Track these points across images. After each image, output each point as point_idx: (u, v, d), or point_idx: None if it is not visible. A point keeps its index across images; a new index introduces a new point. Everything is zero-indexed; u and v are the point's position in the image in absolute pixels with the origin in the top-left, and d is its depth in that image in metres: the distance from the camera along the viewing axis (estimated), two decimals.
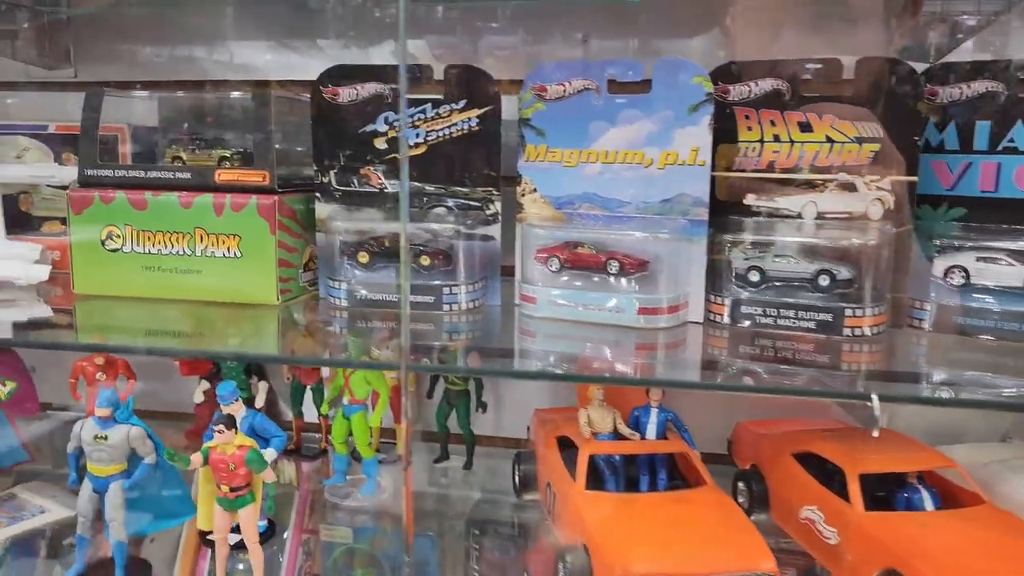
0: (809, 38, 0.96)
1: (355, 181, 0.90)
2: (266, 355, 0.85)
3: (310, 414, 1.10)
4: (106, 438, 0.76)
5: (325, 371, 1.04)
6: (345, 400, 0.96)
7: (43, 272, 0.94)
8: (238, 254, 0.87)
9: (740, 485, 0.91)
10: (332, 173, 0.90)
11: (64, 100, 1.18)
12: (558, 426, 0.92)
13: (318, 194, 0.91)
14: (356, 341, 0.82)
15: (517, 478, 0.95)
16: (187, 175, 0.89)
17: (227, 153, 0.92)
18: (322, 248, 0.91)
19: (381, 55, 1.05)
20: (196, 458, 0.74)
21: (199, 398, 1.01)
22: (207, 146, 0.93)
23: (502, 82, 0.88)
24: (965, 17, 0.91)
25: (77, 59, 1.18)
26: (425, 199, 0.89)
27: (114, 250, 0.89)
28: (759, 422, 0.97)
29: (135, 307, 0.89)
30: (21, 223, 1.07)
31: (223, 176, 0.88)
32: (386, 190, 0.90)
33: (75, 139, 1.05)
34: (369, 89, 0.88)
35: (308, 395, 1.09)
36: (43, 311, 0.93)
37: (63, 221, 1.07)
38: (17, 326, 0.89)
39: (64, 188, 1.05)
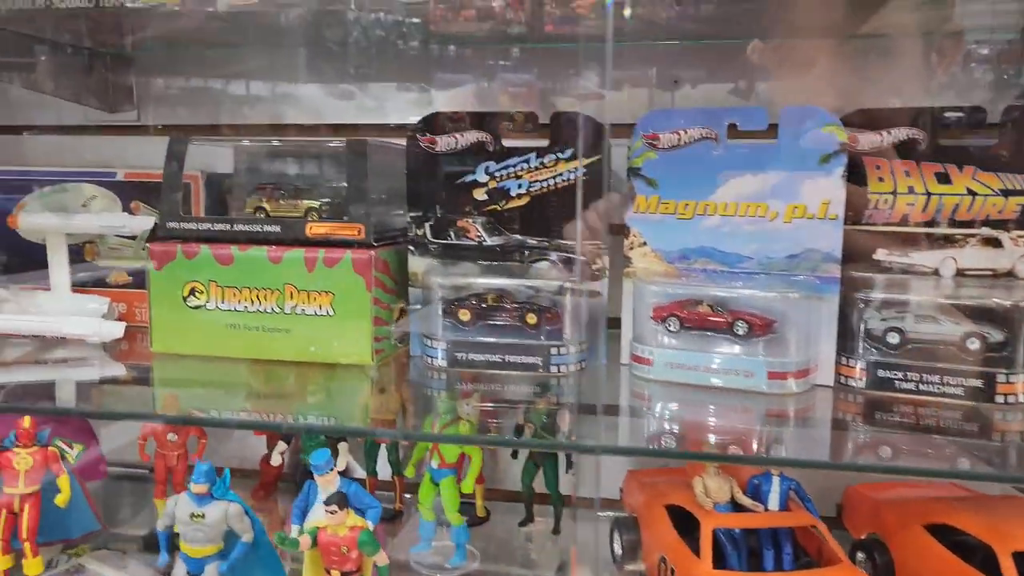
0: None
1: (452, 234, 0.85)
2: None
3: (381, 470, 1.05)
4: (203, 516, 0.70)
5: None
6: (434, 463, 0.90)
7: (118, 329, 0.89)
8: (331, 312, 0.82)
9: (859, 555, 0.85)
10: (427, 225, 0.86)
11: (127, 145, 1.14)
12: (663, 492, 0.86)
13: (412, 247, 0.86)
14: (447, 403, 0.77)
15: (618, 546, 0.89)
16: (276, 228, 0.84)
17: (315, 204, 0.87)
18: (416, 304, 0.86)
19: (463, 99, 1.01)
20: (304, 540, 0.68)
21: (276, 460, 0.96)
22: (292, 196, 0.88)
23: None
24: None
25: (139, 101, 1.14)
26: (527, 252, 0.84)
27: (197, 307, 0.84)
28: (872, 485, 0.92)
29: (218, 368, 0.85)
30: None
31: (314, 229, 0.83)
32: (485, 243, 0.85)
33: (143, 187, 1.01)
34: (469, 138, 0.84)
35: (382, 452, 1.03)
36: (117, 371, 0.88)
37: (130, 272, 1.02)
38: (90, 389, 0.85)
39: (132, 238, 1.01)
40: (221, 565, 0.71)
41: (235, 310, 0.84)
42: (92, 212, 1.00)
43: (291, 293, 0.82)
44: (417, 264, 0.86)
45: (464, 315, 0.82)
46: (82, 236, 1.01)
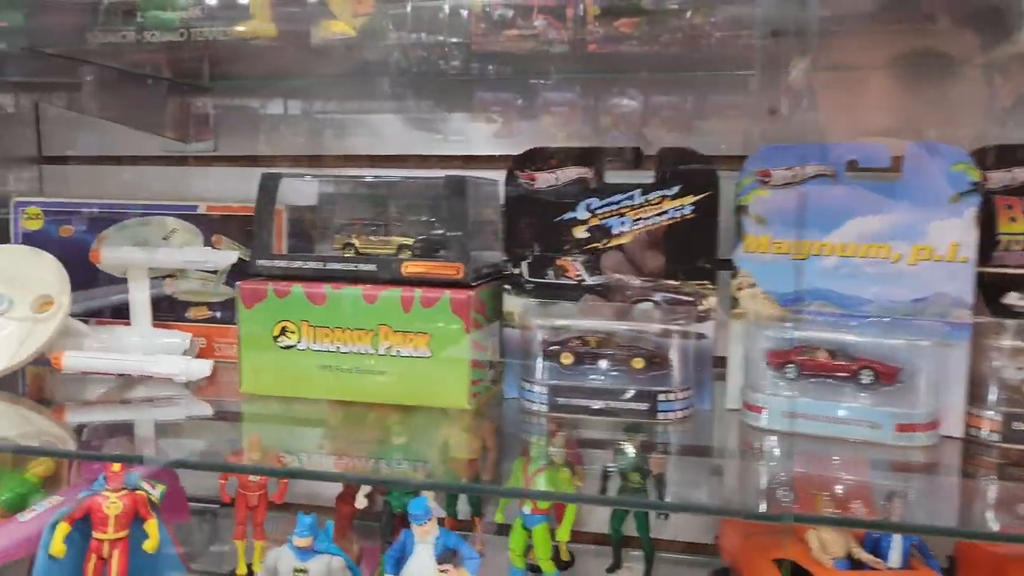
0: None
1: (550, 273, 0.82)
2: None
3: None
4: (306, 572, 0.68)
5: None
6: (526, 508, 0.87)
7: (205, 367, 0.87)
8: (427, 353, 0.79)
9: None
10: (525, 264, 0.83)
11: (203, 177, 1.13)
12: (769, 544, 0.81)
13: (507, 286, 0.83)
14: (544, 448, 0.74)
15: None
16: (371, 267, 0.82)
17: (407, 241, 0.85)
18: (512, 345, 0.83)
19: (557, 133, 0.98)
20: None
21: (362, 503, 0.93)
22: (383, 232, 0.86)
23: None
24: None
25: (217, 132, 1.12)
26: (629, 293, 0.81)
27: (288, 347, 0.82)
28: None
29: (309, 410, 0.82)
30: (164, 308, 1.01)
31: (411, 268, 0.81)
32: (584, 283, 0.82)
33: (226, 220, 0.99)
34: (570, 174, 0.81)
35: None
36: (205, 411, 0.86)
37: (210, 306, 1.00)
38: (177, 430, 0.83)
39: (214, 272, 0.99)
40: None
41: (328, 351, 0.81)
42: (174, 246, 0.99)
43: (386, 334, 0.80)
44: (513, 304, 0.83)
45: (567, 358, 0.79)
46: (163, 270, 0.99)
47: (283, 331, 0.82)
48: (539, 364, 0.80)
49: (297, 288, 0.82)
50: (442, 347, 0.79)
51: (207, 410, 0.86)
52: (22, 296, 0.91)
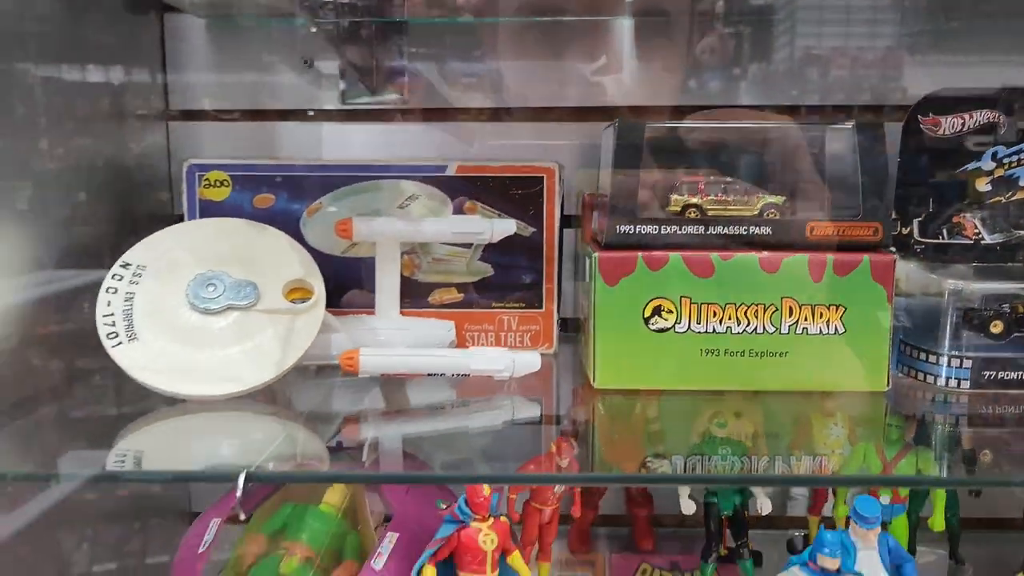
0: None
1: (944, 231, 0.73)
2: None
3: None
4: None
5: None
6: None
7: (534, 361, 0.70)
8: (840, 329, 0.68)
9: None
10: (916, 222, 0.73)
11: (389, 133, 0.94)
12: None
13: (893, 248, 0.73)
14: None
15: None
16: (765, 230, 0.69)
17: (776, 199, 0.72)
18: (909, 314, 0.73)
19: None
20: None
21: (690, 508, 0.79)
22: (733, 190, 0.73)
23: None
24: None
25: (410, 79, 0.94)
26: None
27: (662, 330, 0.68)
28: None
29: (688, 404, 0.69)
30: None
31: (818, 231, 0.68)
32: (983, 242, 0.73)
33: (475, 183, 0.82)
34: (979, 118, 0.71)
35: None
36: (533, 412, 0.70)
37: (459, 288, 0.83)
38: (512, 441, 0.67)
39: (467, 247, 0.83)
40: None
41: (715, 332, 0.68)
42: (410, 213, 0.81)
43: (791, 308, 0.68)
44: (898, 269, 0.73)
45: (996, 326, 0.70)
46: (406, 245, 0.81)
47: (657, 311, 0.68)
48: (950, 334, 0.71)
49: (676, 257, 0.68)
50: (859, 321, 0.68)
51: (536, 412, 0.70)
52: (269, 284, 0.71)
